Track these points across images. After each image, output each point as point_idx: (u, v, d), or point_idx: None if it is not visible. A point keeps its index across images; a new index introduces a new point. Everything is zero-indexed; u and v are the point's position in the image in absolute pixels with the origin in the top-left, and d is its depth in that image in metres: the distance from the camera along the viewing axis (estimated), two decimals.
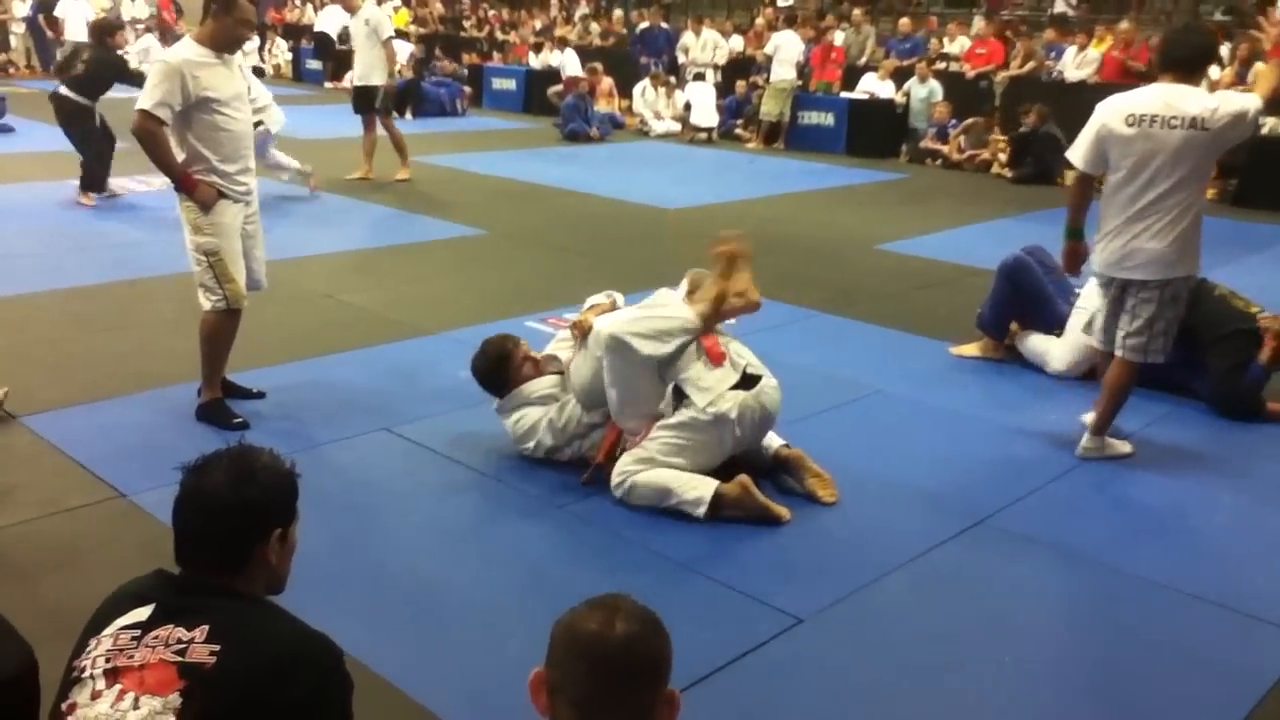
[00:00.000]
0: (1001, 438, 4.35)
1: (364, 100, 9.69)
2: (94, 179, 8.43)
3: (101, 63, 8.28)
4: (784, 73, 13.25)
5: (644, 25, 16.52)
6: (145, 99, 3.91)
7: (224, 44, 4.05)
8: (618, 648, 1.45)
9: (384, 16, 9.74)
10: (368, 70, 9.57)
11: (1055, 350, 5.05)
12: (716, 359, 3.61)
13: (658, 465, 3.55)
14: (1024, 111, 11.39)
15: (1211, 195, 10.70)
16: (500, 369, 3.97)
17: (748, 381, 3.61)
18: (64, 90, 8.28)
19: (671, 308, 3.69)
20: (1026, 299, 5.20)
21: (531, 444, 3.86)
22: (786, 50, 13.24)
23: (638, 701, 1.46)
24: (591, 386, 3.69)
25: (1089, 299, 4.58)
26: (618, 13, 19.18)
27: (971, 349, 5.33)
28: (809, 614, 2.98)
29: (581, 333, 3.79)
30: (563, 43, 16.94)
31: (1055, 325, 5.13)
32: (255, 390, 4.44)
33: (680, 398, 3.58)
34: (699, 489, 3.49)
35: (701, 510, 3.46)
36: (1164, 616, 3.07)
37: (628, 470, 3.58)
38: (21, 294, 5.82)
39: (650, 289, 4.15)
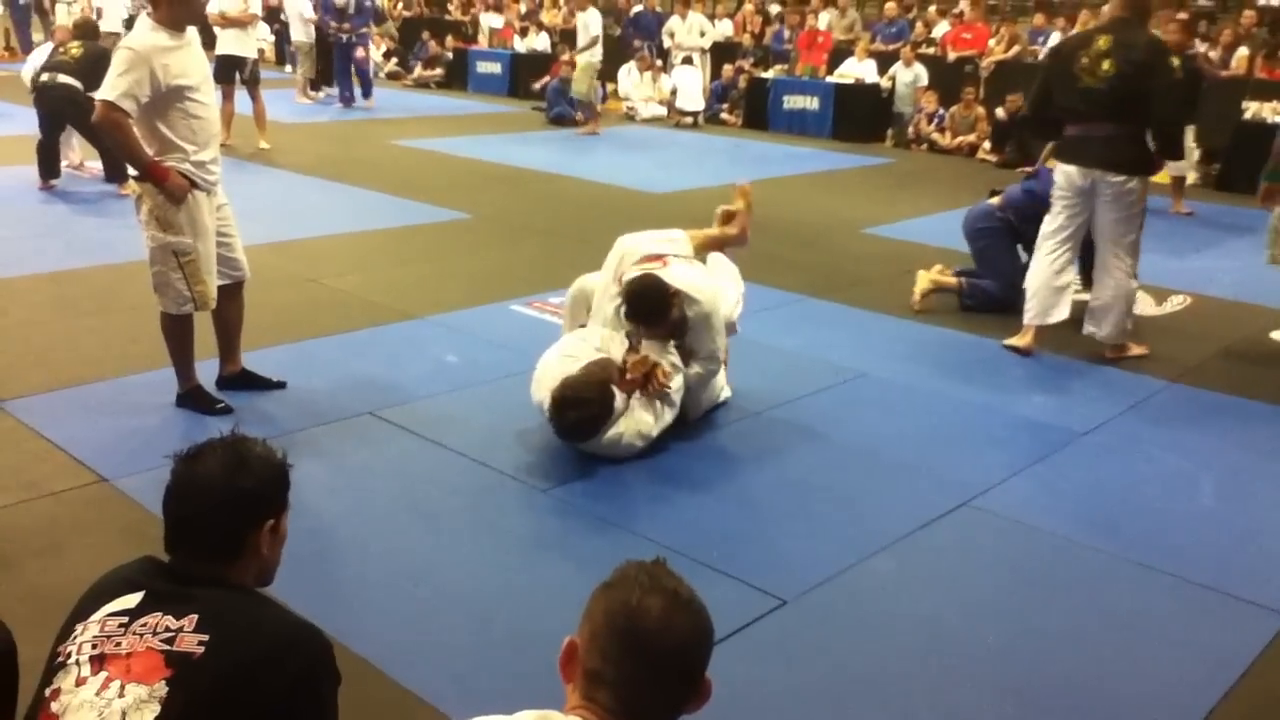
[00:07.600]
0: (985, 420, 4.36)
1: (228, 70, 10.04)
2: (120, 166, 7.90)
3: (96, 51, 8.04)
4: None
5: (638, 8, 16.47)
6: (109, 89, 3.65)
7: (185, 20, 3.80)
8: (675, 649, 1.42)
9: None
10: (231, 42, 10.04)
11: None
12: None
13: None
14: (1005, 99, 11.38)
15: (1194, 180, 10.74)
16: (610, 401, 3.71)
17: None
18: (62, 78, 7.70)
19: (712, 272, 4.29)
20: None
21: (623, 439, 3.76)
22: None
23: (677, 694, 1.45)
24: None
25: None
26: None
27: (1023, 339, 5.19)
28: (793, 595, 2.99)
29: (658, 384, 3.78)
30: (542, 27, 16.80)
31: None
32: (276, 380, 4.36)
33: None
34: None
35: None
36: (1145, 597, 3.10)
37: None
38: (1, 278, 5.77)
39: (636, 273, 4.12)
